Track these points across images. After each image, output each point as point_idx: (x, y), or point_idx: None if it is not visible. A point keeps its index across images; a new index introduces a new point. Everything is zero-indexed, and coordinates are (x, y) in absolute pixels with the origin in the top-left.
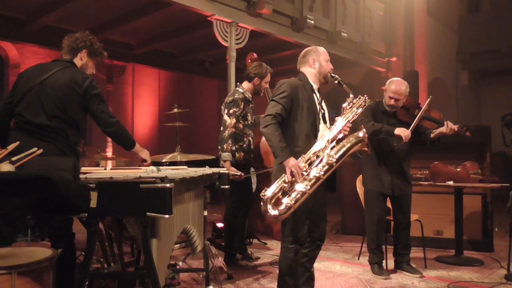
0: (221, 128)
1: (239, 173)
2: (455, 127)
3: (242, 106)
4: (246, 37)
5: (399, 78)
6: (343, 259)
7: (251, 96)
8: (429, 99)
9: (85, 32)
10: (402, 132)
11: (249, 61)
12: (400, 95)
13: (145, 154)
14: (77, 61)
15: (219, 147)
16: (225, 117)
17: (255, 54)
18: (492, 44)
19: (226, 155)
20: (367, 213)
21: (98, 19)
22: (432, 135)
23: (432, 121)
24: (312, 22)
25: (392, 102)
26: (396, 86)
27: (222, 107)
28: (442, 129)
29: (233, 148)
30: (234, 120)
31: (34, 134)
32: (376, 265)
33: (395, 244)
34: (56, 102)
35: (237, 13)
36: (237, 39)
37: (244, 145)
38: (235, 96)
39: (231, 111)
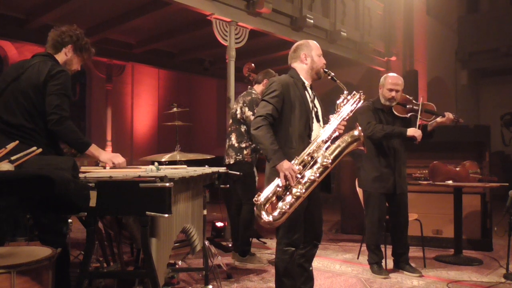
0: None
1: None
2: (452, 115)
3: None
4: (246, 36)
5: (392, 73)
6: (342, 258)
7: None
8: (421, 100)
9: (72, 25)
10: (415, 132)
11: (247, 70)
12: (399, 86)
13: (104, 156)
14: (61, 56)
15: (253, 147)
16: (251, 117)
17: (252, 64)
18: (491, 43)
19: None
20: (367, 214)
21: (97, 18)
22: (429, 128)
23: (431, 113)
24: (312, 21)
25: (393, 94)
26: (392, 79)
27: (235, 105)
28: (442, 119)
29: (242, 145)
30: None
31: (11, 135)
32: (376, 264)
33: (394, 243)
34: (29, 99)
35: (237, 12)
36: (236, 38)
37: (254, 145)
38: (253, 96)
39: (254, 110)
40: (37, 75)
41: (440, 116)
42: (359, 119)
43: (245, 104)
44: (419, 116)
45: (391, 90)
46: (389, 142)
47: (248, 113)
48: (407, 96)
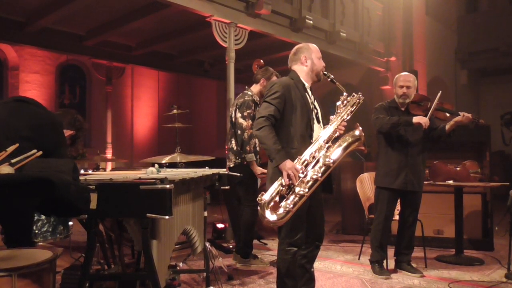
0: (238, 132)
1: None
2: (470, 115)
3: (253, 108)
4: (245, 37)
5: (405, 72)
6: (343, 259)
7: (258, 99)
8: (439, 94)
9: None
10: (421, 119)
11: (256, 66)
12: (410, 82)
13: None
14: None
15: (241, 150)
16: (241, 120)
17: (261, 61)
18: (490, 43)
19: (250, 156)
20: (375, 211)
21: (97, 21)
22: (447, 127)
23: (446, 111)
24: (311, 22)
25: (404, 90)
26: (404, 76)
27: (231, 109)
28: (458, 118)
29: (239, 148)
30: (250, 122)
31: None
32: (377, 264)
33: (398, 243)
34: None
35: (236, 14)
36: (236, 40)
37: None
38: (245, 98)
39: (245, 113)
40: (52, 126)
41: (456, 116)
42: (372, 117)
43: (237, 107)
44: (430, 111)
45: (401, 86)
46: (402, 139)
47: (238, 115)
48: (423, 95)
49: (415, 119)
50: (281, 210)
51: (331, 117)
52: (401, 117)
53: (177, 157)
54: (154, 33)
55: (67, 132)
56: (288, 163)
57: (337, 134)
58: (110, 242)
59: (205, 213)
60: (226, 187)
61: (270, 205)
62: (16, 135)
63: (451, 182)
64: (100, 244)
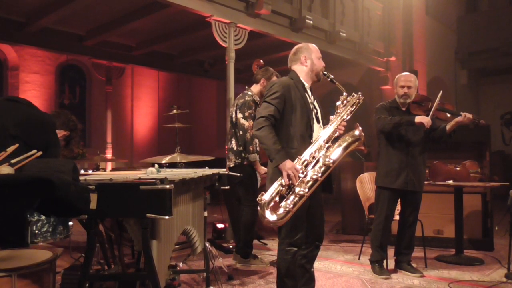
0: (240, 132)
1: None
2: (471, 115)
3: (254, 108)
4: (245, 37)
5: (406, 72)
6: (343, 259)
7: (258, 99)
8: (440, 94)
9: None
10: (423, 119)
11: (256, 66)
12: (411, 82)
13: None
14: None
15: (243, 151)
16: (242, 120)
17: (261, 61)
18: (490, 43)
19: (254, 156)
20: (376, 211)
21: (97, 21)
22: (448, 127)
23: (447, 112)
24: (311, 22)
25: (405, 90)
26: (405, 76)
27: (231, 109)
28: (459, 119)
29: (241, 148)
30: (251, 122)
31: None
32: (377, 264)
33: (398, 243)
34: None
35: (236, 14)
36: (236, 40)
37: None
38: (246, 99)
39: (246, 113)
40: (42, 126)
41: (457, 116)
42: (374, 118)
43: (237, 107)
44: (431, 111)
45: (402, 86)
46: (403, 138)
47: (239, 115)
48: (424, 95)
49: (418, 119)
50: (281, 210)
51: (331, 117)
52: (403, 117)
53: (177, 157)
54: (154, 33)
55: (61, 133)
56: (288, 163)
57: (337, 134)
58: (110, 242)
59: (205, 213)
60: (226, 187)
61: (270, 205)
62: (5, 133)
63: (451, 182)
64: (100, 244)
